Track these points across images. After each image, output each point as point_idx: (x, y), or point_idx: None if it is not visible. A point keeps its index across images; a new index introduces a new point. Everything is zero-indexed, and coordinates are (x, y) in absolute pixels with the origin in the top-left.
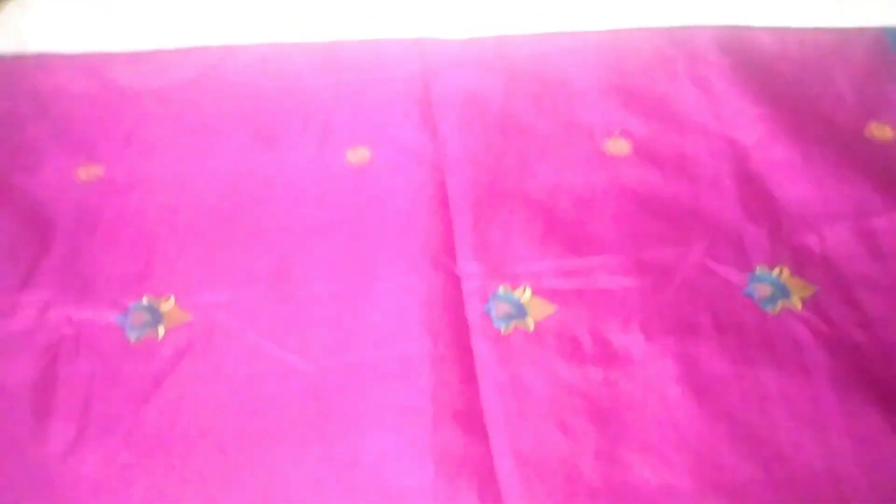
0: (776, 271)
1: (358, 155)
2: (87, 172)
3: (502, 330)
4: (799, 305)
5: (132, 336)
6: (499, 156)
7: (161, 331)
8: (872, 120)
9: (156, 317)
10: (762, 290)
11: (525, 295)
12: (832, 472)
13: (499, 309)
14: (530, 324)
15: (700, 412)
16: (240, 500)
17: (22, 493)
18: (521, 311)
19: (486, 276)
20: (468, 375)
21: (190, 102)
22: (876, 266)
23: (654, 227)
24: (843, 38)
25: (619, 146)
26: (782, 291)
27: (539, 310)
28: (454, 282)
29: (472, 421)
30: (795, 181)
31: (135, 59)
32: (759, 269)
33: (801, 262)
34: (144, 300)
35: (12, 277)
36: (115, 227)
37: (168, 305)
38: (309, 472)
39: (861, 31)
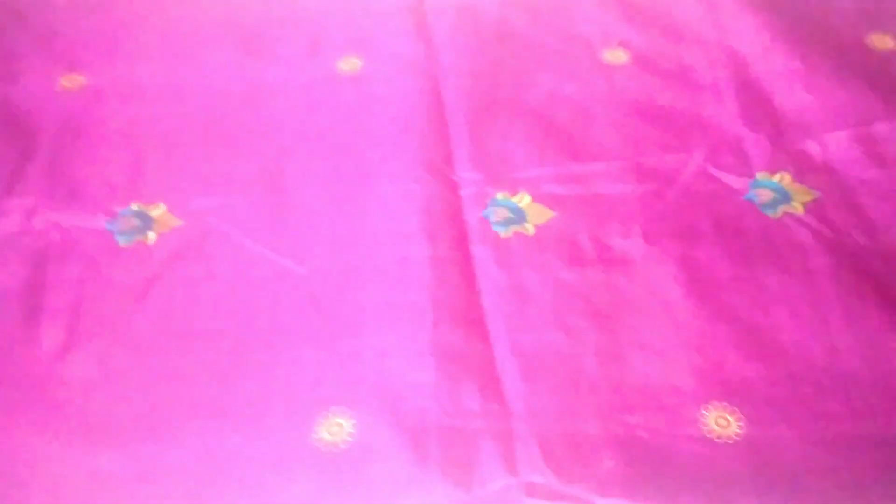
0: (777, 177)
1: (350, 64)
2: (71, 81)
3: (501, 234)
4: (800, 210)
5: (122, 241)
6: (495, 65)
7: (152, 236)
8: (873, 30)
9: (146, 222)
10: (763, 195)
11: (524, 200)
12: (834, 369)
13: (497, 214)
14: (530, 228)
15: (701, 313)
16: (237, 400)
17: (14, 395)
18: (520, 216)
19: (485, 182)
20: (468, 277)
21: (177, 10)
22: (877, 172)
23: (654, 135)
24: None
25: (617, 56)
26: (784, 196)
27: (538, 215)
28: (452, 188)
29: (472, 321)
30: (796, 90)
31: None
32: (761, 175)
33: (803, 169)
34: (134, 206)
35: None
36: (101, 136)
37: (158, 211)
38: (308, 371)
39: None
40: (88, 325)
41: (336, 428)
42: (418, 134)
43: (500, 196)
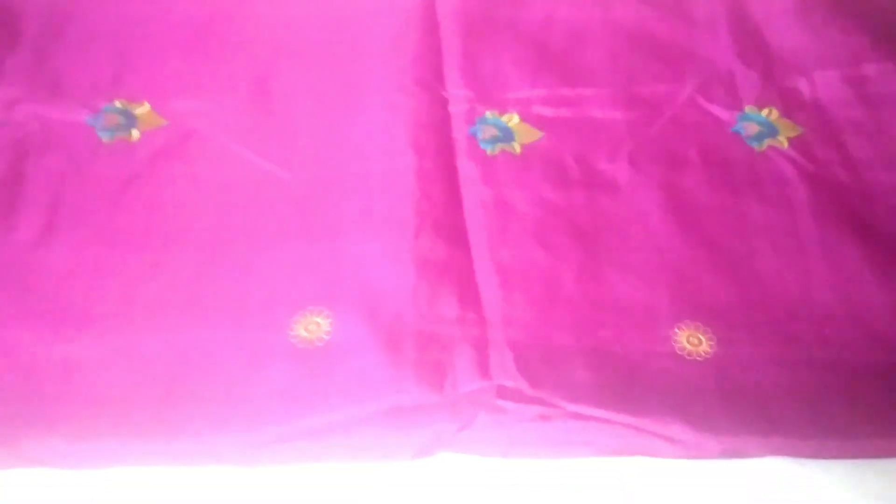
0: (765, 111)
1: None
2: None
3: (488, 151)
4: (785, 144)
5: (105, 137)
6: None
7: (135, 134)
8: None
9: (129, 120)
10: (750, 128)
11: (513, 120)
12: (808, 298)
13: (485, 132)
14: (516, 147)
15: (682, 238)
16: (215, 295)
17: None
18: (507, 135)
19: (474, 100)
20: (452, 190)
21: None
22: (863, 112)
23: (646, 64)
24: None
25: None
26: (770, 130)
27: (526, 135)
28: (441, 103)
29: (454, 232)
30: (789, 27)
31: None
32: (749, 109)
33: (791, 105)
34: (117, 103)
35: None
36: (86, 32)
37: (142, 110)
38: (287, 273)
39: None
40: (67, 217)
41: (313, 326)
42: (410, 48)
43: (488, 114)
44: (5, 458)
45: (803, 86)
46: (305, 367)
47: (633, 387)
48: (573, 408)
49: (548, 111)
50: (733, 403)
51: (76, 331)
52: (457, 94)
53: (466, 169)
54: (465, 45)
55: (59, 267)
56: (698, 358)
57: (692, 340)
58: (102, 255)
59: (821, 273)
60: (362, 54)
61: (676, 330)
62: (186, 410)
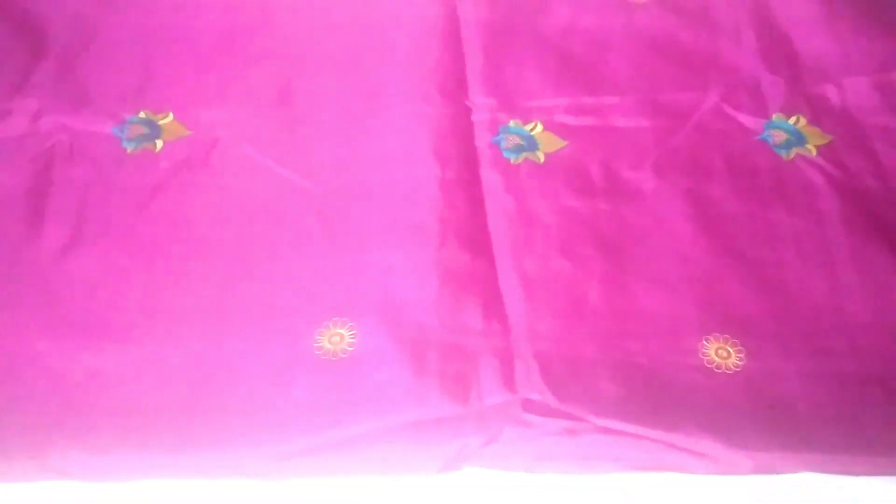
0: (793, 119)
1: None
2: None
3: (511, 160)
4: (814, 152)
5: (129, 147)
6: None
7: (159, 144)
8: None
9: (154, 130)
10: (777, 136)
11: (536, 129)
12: (838, 309)
13: (508, 141)
14: (540, 156)
15: (709, 248)
16: (238, 306)
17: (16, 292)
18: (531, 144)
19: (497, 109)
20: (476, 200)
21: None
22: (893, 119)
23: (671, 72)
24: None
25: None
26: (798, 138)
27: (550, 143)
28: (464, 112)
29: (478, 242)
30: (816, 34)
31: None
32: (776, 117)
33: (819, 112)
34: (142, 114)
35: (3, 84)
36: (112, 43)
37: (166, 120)
38: (311, 283)
39: None
40: (92, 227)
41: (336, 338)
42: (433, 57)
43: (512, 123)
44: (31, 469)
45: (831, 93)
46: (329, 380)
47: (661, 401)
48: (601, 422)
49: (571, 120)
50: (764, 418)
51: (101, 342)
52: (480, 103)
53: (490, 178)
54: (487, 54)
55: (85, 277)
56: (727, 371)
57: (721, 353)
58: (127, 265)
59: (851, 284)
60: (385, 64)
61: (704, 342)
62: (210, 422)
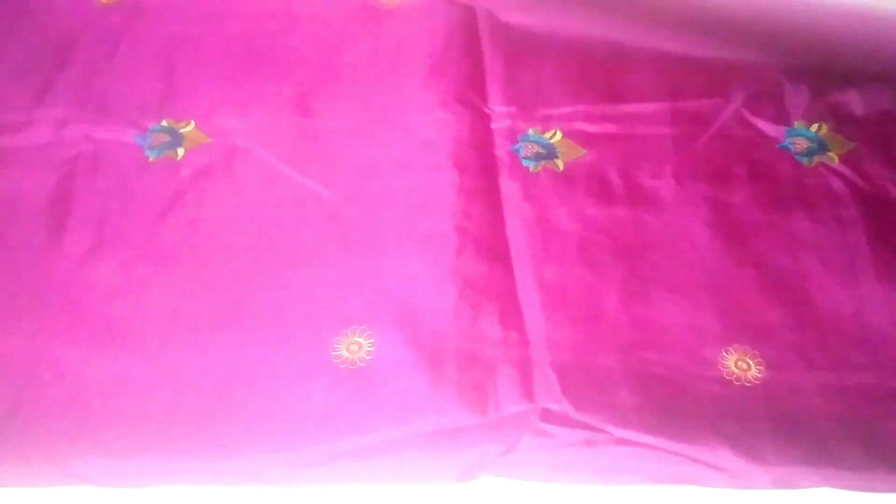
0: (815, 127)
1: None
2: None
3: (530, 168)
4: (836, 160)
5: (151, 155)
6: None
7: (180, 152)
8: None
9: (175, 138)
10: (799, 144)
11: (555, 137)
12: (861, 321)
13: (527, 149)
14: (559, 164)
15: (729, 256)
16: (258, 314)
17: (38, 299)
18: (550, 152)
19: (516, 117)
20: (494, 208)
21: None
22: None
23: (692, 79)
24: None
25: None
26: (820, 146)
27: (569, 151)
28: (483, 120)
29: (496, 250)
30: (838, 40)
31: None
32: (798, 124)
33: (841, 120)
34: (164, 122)
35: (28, 93)
36: (135, 52)
37: (188, 128)
38: (330, 291)
39: None
40: (114, 235)
41: (355, 346)
42: (453, 65)
43: (531, 132)
44: (51, 474)
45: (854, 100)
46: (347, 388)
47: (680, 412)
48: (619, 433)
49: (591, 127)
50: (784, 432)
51: (121, 348)
52: (499, 110)
53: (509, 186)
54: (506, 62)
55: (106, 284)
56: (747, 384)
57: (741, 365)
58: (147, 272)
59: (875, 294)
60: (404, 72)
61: (724, 353)
62: (229, 429)
